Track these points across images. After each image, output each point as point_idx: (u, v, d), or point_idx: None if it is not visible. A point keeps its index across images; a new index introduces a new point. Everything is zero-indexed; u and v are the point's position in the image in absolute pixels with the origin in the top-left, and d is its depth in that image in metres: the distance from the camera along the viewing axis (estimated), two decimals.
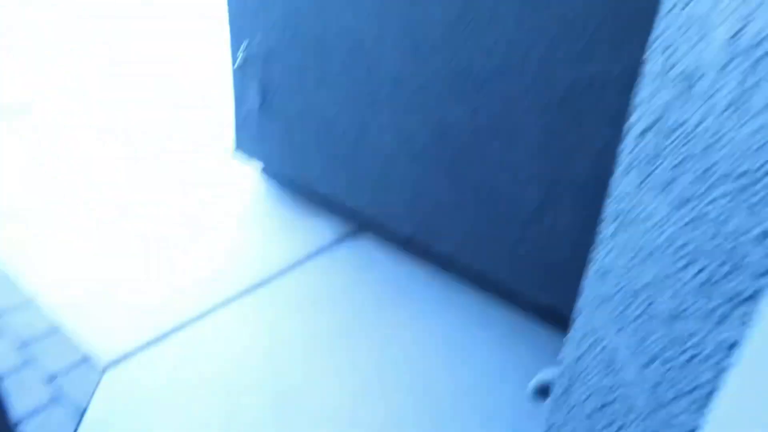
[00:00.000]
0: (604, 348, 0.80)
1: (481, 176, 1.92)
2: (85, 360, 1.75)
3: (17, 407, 1.56)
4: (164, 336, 1.87)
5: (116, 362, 1.75)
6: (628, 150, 0.73)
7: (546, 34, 1.63)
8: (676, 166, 0.68)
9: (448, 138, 1.97)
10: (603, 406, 0.81)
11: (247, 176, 2.87)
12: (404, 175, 2.14)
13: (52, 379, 1.67)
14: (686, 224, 0.68)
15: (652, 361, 0.74)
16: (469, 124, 1.91)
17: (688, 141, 0.66)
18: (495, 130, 1.85)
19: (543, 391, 0.86)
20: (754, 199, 0.61)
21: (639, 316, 0.75)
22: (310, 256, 2.31)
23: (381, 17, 2.00)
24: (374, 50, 2.06)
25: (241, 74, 2.54)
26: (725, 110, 0.62)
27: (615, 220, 0.76)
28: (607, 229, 0.77)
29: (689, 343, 0.70)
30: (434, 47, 1.91)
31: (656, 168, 0.70)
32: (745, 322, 0.63)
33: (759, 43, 0.57)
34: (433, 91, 1.96)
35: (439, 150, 2.01)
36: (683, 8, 0.63)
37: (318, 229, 2.50)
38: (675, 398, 0.72)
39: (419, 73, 1.97)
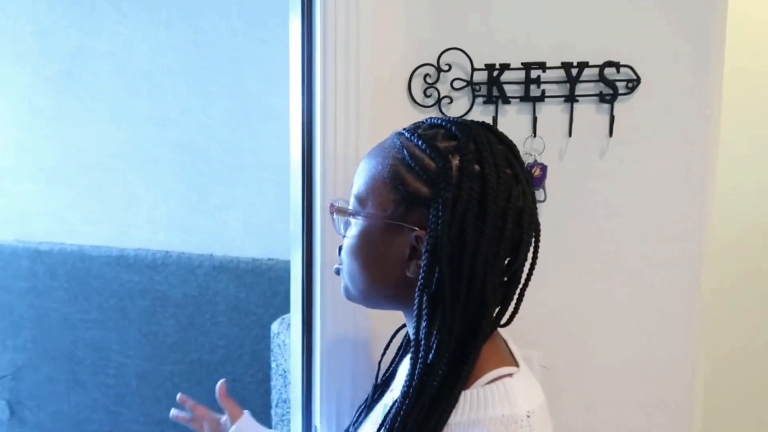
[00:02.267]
0: None
1: None
2: None
3: None
4: None
5: None
6: (273, 413, 1.37)
7: (252, 332, 2.35)
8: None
9: None
10: None
11: None
12: None
13: None
14: None
15: None
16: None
17: None
18: None
19: None
20: None
21: None
22: None
23: (124, 330, 2.53)
24: (120, 355, 2.55)
25: None
26: None
27: None
28: None
29: None
30: (172, 347, 2.48)
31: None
32: None
33: None
34: (174, 381, 2.48)
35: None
36: None
37: None
38: None
39: (161, 368, 2.49)
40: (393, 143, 0.66)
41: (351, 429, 0.82)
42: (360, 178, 0.68)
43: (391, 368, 0.79)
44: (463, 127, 0.64)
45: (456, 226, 0.58)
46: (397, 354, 0.79)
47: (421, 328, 0.60)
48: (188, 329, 2.47)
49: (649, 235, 0.88)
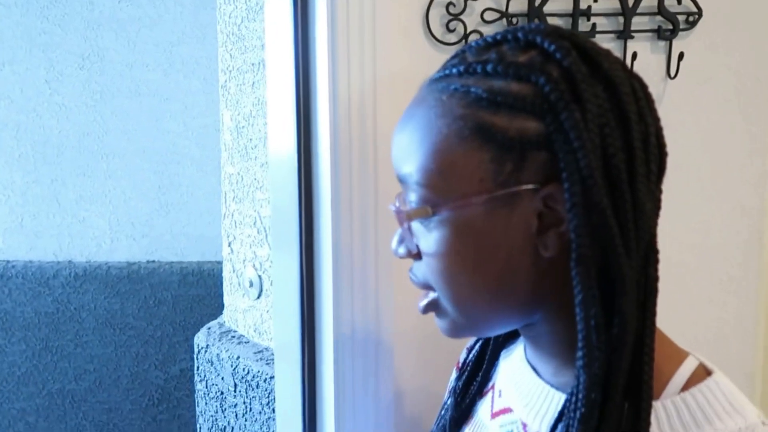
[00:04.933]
0: None
1: None
2: None
3: None
4: None
5: None
6: None
7: (131, 350, 1.96)
8: None
9: None
10: None
11: None
12: None
13: None
14: None
15: None
16: None
17: None
18: None
19: None
20: None
21: None
22: None
23: None
24: None
25: None
26: None
27: None
28: None
29: None
30: (22, 378, 2.00)
31: None
32: None
33: None
34: (28, 420, 2.00)
35: None
36: None
37: None
38: None
39: (8, 407, 2.00)
40: (443, 90, 0.45)
41: None
42: (413, 156, 0.46)
43: (477, 379, 0.59)
44: (531, 29, 0.45)
45: (599, 151, 0.41)
46: (482, 355, 0.59)
47: (591, 316, 0.41)
48: (44, 355, 2.00)
49: (711, 193, 0.79)
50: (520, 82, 0.42)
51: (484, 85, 0.43)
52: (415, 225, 0.48)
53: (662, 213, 0.47)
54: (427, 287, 0.49)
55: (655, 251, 0.44)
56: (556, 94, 0.41)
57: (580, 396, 0.42)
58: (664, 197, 0.47)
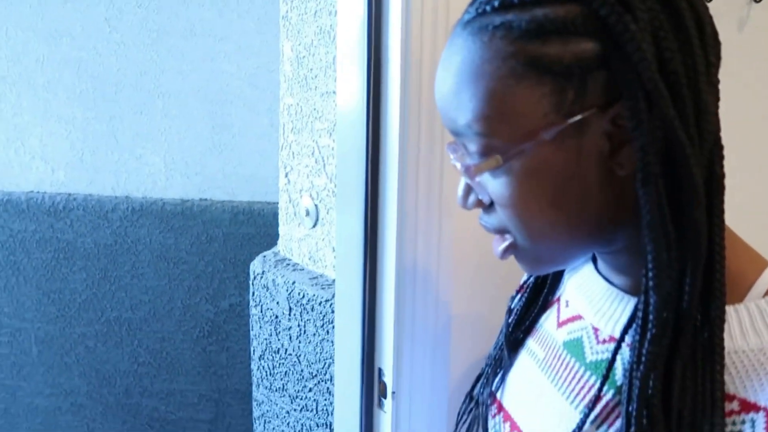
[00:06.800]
0: None
1: (153, 408, 2.11)
2: None
3: None
4: None
5: None
6: (255, 367, 1.15)
7: (183, 283, 2.04)
8: (284, 374, 1.13)
9: (112, 382, 2.13)
10: None
11: None
12: (69, 430, 2.15)
13: None
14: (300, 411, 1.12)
15: None
16: (131, 364, 2.12)
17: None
18: (157, 365, 2.11)
19: None
20: None
21: None
22: None
23: (18, 289, 2.11)
24: (15, 319, 2.13)
25: None
26: None
27: (259, 419, 1.16)
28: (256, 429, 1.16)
29: None
30: (83, 305, 2.11)
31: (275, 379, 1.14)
32: None
33: None
34: (87, 344, 2.12)
35: (104, 396, 2.13)
36: None
37: None
38: None
39: (69, 331, 2.12)
40: (482, 31, 0.43)
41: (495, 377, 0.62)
42: (467, 107, 0.44)
43: (541, 297, 0.60)
44: None
45: (656, 60, 0.40)
46: (545, 275, 0.60)
47: (661, 235, 0.40)
48: (102, 284, 2.11)
49: None
50: (563, 3, 0.41)
51: (525, 16, 0.41)
52: (483, 175, 0.46)
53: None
54: (502, 231, 0.49)
55: (720, 147, 0.43)
56: (606, 9, 0.40)
57: (651, 317, 0.42)
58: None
